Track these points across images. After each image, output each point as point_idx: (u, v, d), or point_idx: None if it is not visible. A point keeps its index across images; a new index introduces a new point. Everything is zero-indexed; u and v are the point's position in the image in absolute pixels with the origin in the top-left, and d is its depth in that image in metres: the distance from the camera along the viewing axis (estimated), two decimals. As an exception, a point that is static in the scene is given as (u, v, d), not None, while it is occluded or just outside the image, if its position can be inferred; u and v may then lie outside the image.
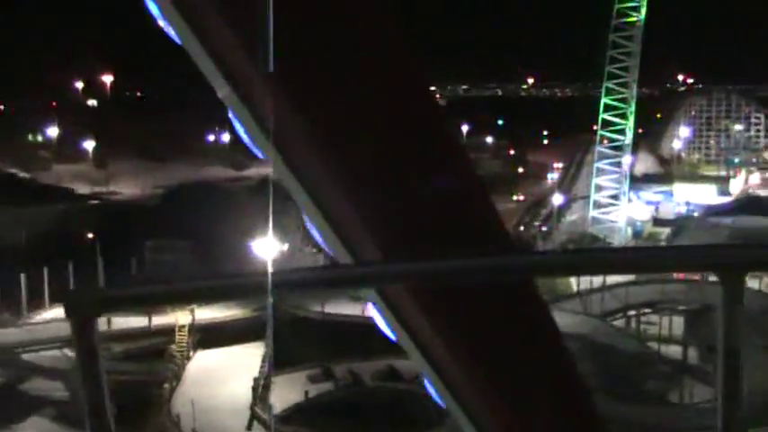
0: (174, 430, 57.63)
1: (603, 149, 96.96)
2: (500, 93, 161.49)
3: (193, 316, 69.97)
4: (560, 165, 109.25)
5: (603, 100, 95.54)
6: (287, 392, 62.11)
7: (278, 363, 63.36)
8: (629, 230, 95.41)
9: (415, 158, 3.25)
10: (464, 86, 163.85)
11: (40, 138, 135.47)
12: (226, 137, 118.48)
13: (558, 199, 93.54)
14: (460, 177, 3.37)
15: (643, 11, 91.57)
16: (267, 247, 58.49)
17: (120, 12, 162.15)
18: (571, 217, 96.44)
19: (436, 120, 3.39)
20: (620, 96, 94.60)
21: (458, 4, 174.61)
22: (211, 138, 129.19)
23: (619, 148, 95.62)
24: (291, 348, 65.40)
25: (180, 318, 69.70)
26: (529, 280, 3.53)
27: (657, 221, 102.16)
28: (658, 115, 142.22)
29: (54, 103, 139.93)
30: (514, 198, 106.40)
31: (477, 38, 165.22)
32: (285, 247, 76.86)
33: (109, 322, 57.56)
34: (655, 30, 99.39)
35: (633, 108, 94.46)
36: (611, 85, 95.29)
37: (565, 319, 57.26)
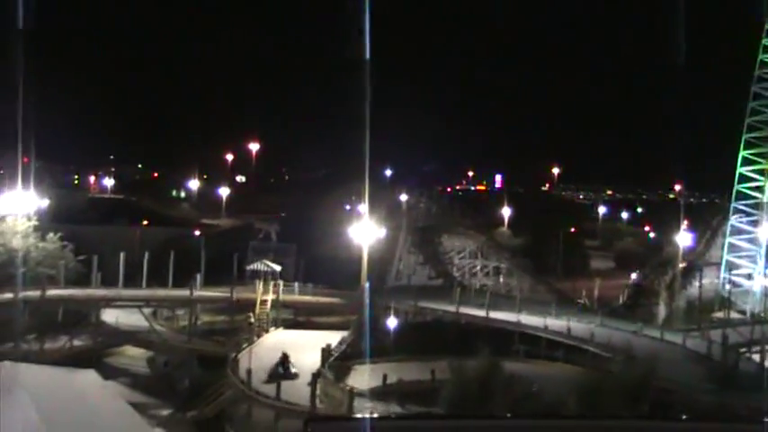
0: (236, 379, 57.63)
1: (740, 206, 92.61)
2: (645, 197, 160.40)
3: (278, 294, 71.82)
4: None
5: (741, 154, 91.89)
6: (366, 377, 59.48)
7: (361, 353, 62.71)
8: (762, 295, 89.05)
9: None
10: (608, 191, 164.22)
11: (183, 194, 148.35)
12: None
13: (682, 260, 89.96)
14: None
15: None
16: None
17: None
18: (704, 280, 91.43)
19: None
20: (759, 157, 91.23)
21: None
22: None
23: (757, 206, 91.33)
24: (379, 340, 64.82)
25: (262, 294, 72.54)
26: None
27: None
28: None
29: (202, 174, 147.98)
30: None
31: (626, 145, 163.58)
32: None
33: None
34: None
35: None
36: (746, 155, 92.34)
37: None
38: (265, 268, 75.97)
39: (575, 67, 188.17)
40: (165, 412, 61.86)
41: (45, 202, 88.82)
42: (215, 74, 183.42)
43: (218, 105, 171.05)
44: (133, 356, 72.96)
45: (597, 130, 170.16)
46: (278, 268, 76.33)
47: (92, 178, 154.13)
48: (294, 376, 57.36)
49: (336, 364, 59.52)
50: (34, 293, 70.08)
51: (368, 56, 59.17)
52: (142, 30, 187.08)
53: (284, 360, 58.77)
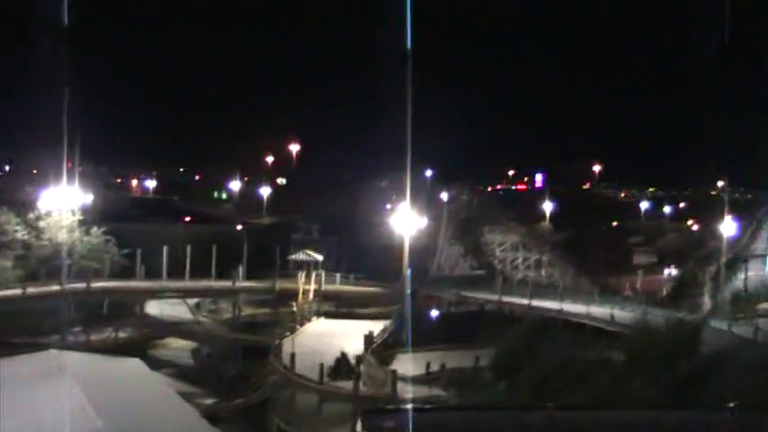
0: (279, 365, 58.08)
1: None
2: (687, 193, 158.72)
3: (320, 283, 71.98)
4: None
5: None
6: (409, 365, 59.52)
7: (403, 342, 62.81)
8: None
9: None
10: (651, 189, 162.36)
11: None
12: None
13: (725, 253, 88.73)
14: None
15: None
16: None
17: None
18: (749, 273, 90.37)
19: None
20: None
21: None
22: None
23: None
24: (421, 329, 64.82)
25: (304, 284, 73.73)
26: None
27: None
28: None
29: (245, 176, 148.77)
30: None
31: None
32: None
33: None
34: None
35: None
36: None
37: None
38: (307, 258, 76.29)
39: (615, 65, 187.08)
40: (210, 401, 62.24)
41: (89, 198, 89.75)
42: (256, 76, 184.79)
43: (259, 107, 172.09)
44: (177, 348, 73.58)
45: (639, 128, 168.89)
46: (320, 258, 76.60)
47: (134, 182, 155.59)
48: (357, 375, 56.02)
49: (379, 350, 59.57)
50: (80, 285, 70.95)
51: (409, 45, 59.16)
52: (181, 33, 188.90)
53: (343, 358, 57.98)
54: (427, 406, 36.37)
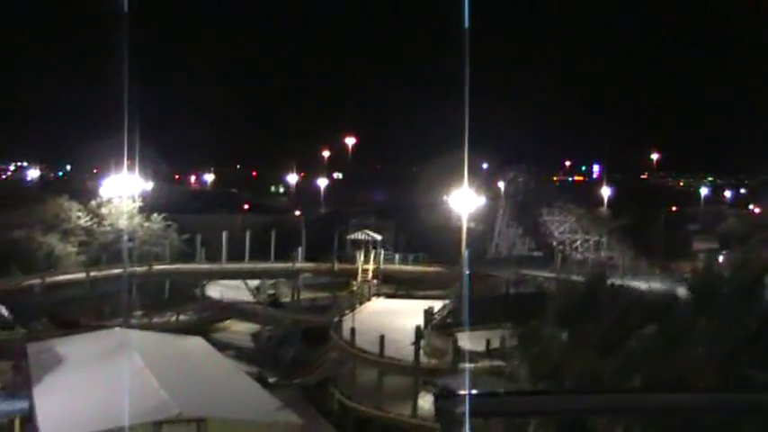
0: (342, 343, 58.23)
1: None
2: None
3: (379, 262, 72.07)
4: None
5: None
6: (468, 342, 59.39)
7: (461, 321, 62.55)
8: None
9: None
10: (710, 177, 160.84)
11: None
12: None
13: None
14: None
15: None
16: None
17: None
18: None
19: None
20: None
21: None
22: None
23: None
24: (480, 308, 64.44)
25: (363, 264, 73.93)
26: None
27: None
28: None
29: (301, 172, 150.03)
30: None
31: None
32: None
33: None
34: None
35: None
36: None
37: None
38: (366, 237, 76.40)
39: (672, 55, 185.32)
40: (271, 380, 62.64)
41: (149, 185, 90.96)
42: (311, 71, 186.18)
43: (315, 99, 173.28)
44: (238, 332, 74.11)
45: (697, 117, 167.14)
46: (378, 237, 76.68)
47: (192, 178, 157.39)
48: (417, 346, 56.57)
49: (438, 326, 59.44)
50: (141, 269, 71.95)
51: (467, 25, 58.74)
52: (242, 34, 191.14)
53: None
54: (501, 390, 36.12)
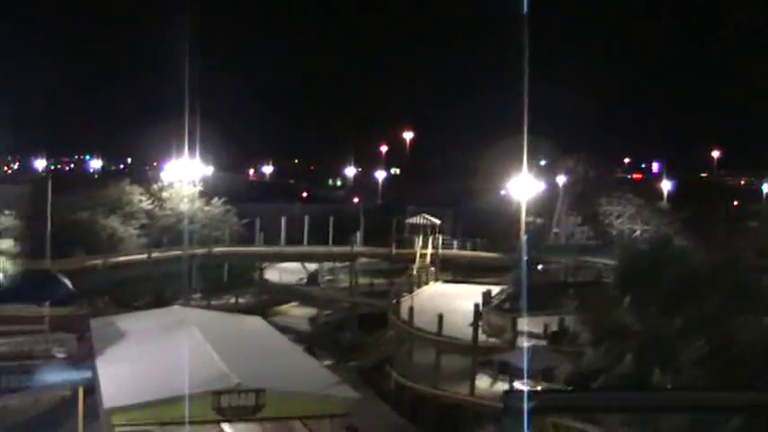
0: (400, 322, 58.61)
1: None
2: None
3: (437, 247, 72.00)
4: None
5: None
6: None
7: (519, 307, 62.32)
8: None
9: None
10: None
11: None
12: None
13: None
14: None
15: None
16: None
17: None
18: None
19: None
20: None
21: None
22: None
23: None
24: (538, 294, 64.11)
25: (422, 248, 74.02)
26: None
27: None
28: None
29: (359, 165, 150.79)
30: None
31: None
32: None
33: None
34: None
35: None
36: None
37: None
38: (425, 222, 76.29)
39: (732, 52, 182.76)
40: (328, 362, 62.95)
41: (209, 170, 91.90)
42: (367, 67, 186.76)
43: (372, 95, 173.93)
44: (295, 315, 74.64)
45: (759, 114, 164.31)
46: (437, 221, 76.54)
47: (251, 171, 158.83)
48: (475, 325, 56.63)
49: (497, 307, 59.35)
50: (201, 250, 72.76)
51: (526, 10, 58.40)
52: (300, 29, 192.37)
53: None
54: (570, 388, 35.84)
